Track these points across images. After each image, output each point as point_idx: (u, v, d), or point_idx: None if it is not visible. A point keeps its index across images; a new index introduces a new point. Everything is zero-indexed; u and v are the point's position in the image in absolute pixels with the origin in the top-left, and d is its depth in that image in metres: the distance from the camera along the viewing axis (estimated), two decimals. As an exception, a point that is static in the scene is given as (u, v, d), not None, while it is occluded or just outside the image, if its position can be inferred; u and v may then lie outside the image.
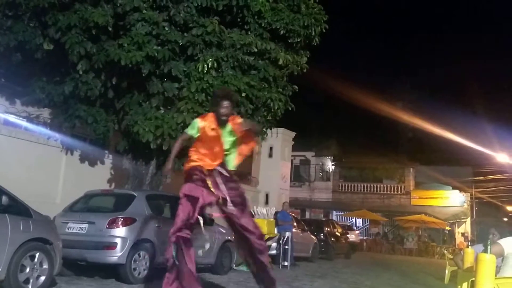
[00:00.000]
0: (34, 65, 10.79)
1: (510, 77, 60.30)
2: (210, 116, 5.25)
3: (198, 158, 5.18)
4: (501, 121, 35.29)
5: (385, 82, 56.01)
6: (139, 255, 7.94)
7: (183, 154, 10.91)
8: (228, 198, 5.14)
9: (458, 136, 30.72)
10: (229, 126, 5.20)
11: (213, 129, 5.15)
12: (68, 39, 9.64)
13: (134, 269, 7.82)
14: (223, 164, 5.28)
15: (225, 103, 5.13)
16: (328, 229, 18.66)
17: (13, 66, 10.82)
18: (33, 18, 10.15)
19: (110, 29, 9.83)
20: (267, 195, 22.68)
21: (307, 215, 33.28)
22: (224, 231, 10.65)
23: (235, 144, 5.34)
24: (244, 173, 24.15)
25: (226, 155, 5.31)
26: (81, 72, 10.02)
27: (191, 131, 5.24)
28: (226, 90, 5.96)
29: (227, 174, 5.25)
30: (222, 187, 5.15)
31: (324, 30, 11.92)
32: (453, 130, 30.93)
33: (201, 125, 5.18)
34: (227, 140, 5.23)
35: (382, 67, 55.76)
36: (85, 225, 7.97)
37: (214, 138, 5.15)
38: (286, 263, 12.81)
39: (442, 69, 55.20)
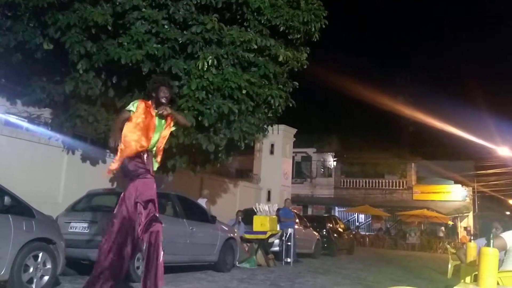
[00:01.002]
0: (34, 65, 10.79)
1: None
2: (149, 102, 5.28)
3: (133, 139, 5.10)
4: (503, 114, 35.27)
5: (386, 76, 56.00)
6: (142, 253, 7.95)
7: (183, 153, 10.82)
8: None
9: (460, 130, 30.68)
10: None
11: (147, 112, 5.15)
12: (68, 38, 9.63)
13: (137, 267, 7.83)
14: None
15: (164, 89, 5.23)
16: (331, 225, 18.67)
17: (13, 66, 10.81)
18: (32, 18, 10.13)
19: (109, 28, 9.81)
20: (269, 192, 22.67)
21: (309, 212, 33.29)
22: (226, 229, 10.67)
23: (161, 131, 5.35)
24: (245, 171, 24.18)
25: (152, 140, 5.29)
26: (81, 72, 10.01)
27: (131, 107, 5.18)
28: (163, 77, 5.91)
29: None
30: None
31: (324, 26, 11.89)
32: (454, 124, 30.92)
33: (140, 105, 5.17)
34: (159, 126, 5.26)
35: (383, 62, 55.71)
36: (88, 224, 7.98)
37: (149, 121, 5.14)
38: (289, 260, 12.83)
39: (442, 62, 55.11)
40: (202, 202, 12.88)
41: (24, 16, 10.10)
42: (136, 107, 5.15)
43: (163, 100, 5.22)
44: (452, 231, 31.33)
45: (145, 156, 5.22)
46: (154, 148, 5.35)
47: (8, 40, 9.96)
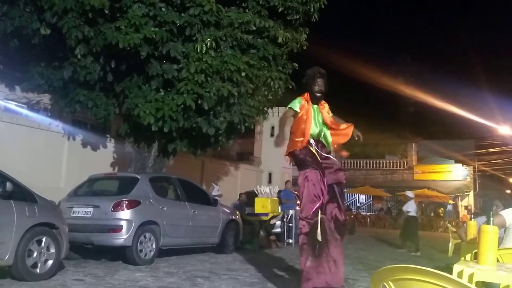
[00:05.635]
0: (32, 50, 10.73)
1: (512, 49, 59.53)
2: (307, 95, 5.45)
3: (297, 136, 5.31)
4: (503, 93, 35.15)
5: (386, 56, 55.61)
6: (145, 237, 8.02)
7: (184, 136, 10.79)
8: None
9: (460, 109, 30.60)
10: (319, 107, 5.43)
11: (307, 106, 5.34)
12: (65, 23, 9.55)
13: (141, 250, 7.90)
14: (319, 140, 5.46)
15: (318, 81, 5.38)
16: (332, 206, 18.72)
17: (11, 52, 10.76)
18: (28, 3, 10.04)
19: (106, 11, 9.72)
20: (270, 175, 22.77)
21: (310, 193, 33.35)
22: (228, 211, 10.72)
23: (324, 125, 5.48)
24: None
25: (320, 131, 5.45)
26: (79, 57, 9.96)
27: (296, 108, 5.38)
28: (313, 68, 5.72)
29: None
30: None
31: (323, 6, 11.75)
32: (455, 103, 30.84)
33: (303, 103, 5.37)
34: (315, 114, 5.38)
35: (383, 42, 55.28)
36: (90, 209, 8.02)
37: (308, 113, 5.33)
38: (290, 241, 12.92)
39: (443, 41, 54.72)
40: (215, 189, 13.03)
41: (20, 1, 10.00)
42: (300, 108, 5.36)
43: (318, 95, 5.39)
44: (450, 211, 31.53)
45: (313, 145, 5.38)
46: (322, 133, 5.48)
47: (4, 25, 9.88)
